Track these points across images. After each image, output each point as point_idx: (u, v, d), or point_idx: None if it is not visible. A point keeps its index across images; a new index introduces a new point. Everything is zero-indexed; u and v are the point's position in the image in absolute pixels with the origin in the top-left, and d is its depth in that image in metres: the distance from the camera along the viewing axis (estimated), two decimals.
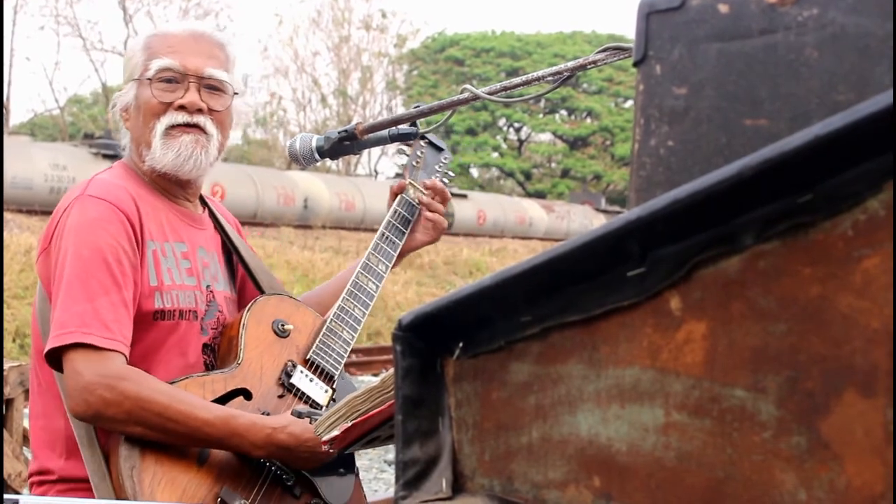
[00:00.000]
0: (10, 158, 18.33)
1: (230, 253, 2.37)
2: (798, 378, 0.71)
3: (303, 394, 2.21)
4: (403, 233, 2.42)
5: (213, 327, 2.22)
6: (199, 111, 2.16)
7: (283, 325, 2.25)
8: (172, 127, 2.15)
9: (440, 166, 2.52)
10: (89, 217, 2.04)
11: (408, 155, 2.49)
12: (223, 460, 2.06)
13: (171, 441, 2.01)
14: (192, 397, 2.03)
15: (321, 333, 2.27)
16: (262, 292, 2.36)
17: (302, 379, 2.22)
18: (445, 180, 2.52)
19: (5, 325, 11.59)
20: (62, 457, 2.11)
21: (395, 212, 2.41)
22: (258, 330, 2.22)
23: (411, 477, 0.92)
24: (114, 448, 1.99)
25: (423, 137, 2.47)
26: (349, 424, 1.51)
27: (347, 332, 2.29)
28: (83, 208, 2.05)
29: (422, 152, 2.49)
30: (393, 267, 2.42)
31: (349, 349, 2.28)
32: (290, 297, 2.36)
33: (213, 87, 2.19)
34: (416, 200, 2.43)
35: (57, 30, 36.72)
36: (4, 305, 12.25)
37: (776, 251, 0.72)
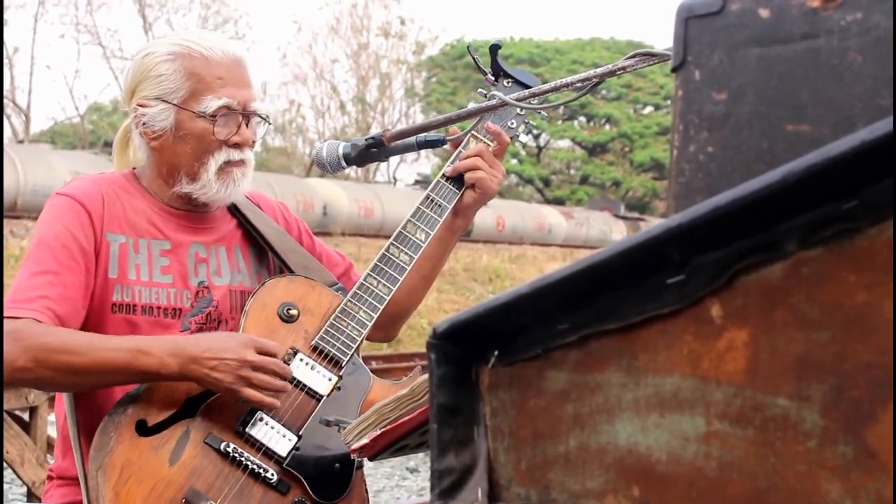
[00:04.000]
0: (31, 166, 18.42)
1: (261, 243, 2.33)
2: (843, 386, 0.70)
3: (300, 383, 2.12)
4: (456, 194, 2.24)
5: (199, 322, 2.18)
6: (249, 146, 2.19)
7: (288, 310, 2.17)
8: (227, 163, 2.17)
9: (523, 110, 2.23)
10: (51, 213, 2.12)
11: (485, 97, 2.17)
12: (197, 458, 2.02)
13: (85, 382, 2.02)
14: (93, 334, 2.04)
15: (332, 316, 2.17)
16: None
17: (300, 367, 2.12)
18: (529, 121, 2.32)
19: None
20: (60, 456, 2.19)
21: (447, 172, 2.25)
22: (262, 316, 2.15)
23: (447, 486, 0.92)
24: (87, 449, 2.00)
25: (507, 76, 2.21)
26: (378, 433, 1.51)
27: (364, 311, 2.17)
28: (48, 205, 2.14)
29: (498, 94, 2.13)
30: (445, 241, 2.27)
31: (365, 331, 2.16)
32: (306, 277, 2.26)
33: (256, 118, 2.21)
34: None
35: (77, 38, 36.87)
36: None
37: (820, 258, 0.71)
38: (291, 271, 2.28)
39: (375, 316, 2.18)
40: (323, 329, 2.17)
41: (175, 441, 2.02)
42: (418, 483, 7.36)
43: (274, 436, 2.09)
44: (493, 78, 2.23)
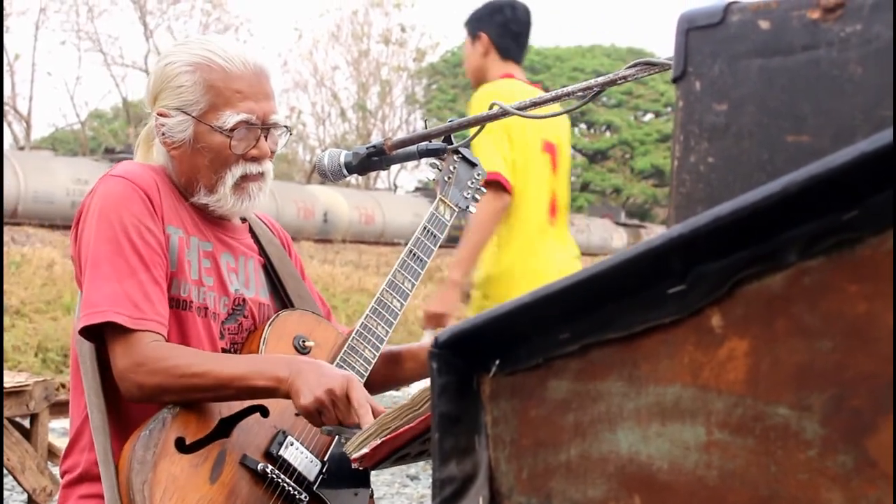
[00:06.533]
0: (32, 173, 18.45)
1: (266, 262, 2.37)
2: (844, 396, 0.70)
3: None
4: (432, 250, 2.37)
5: (231, 332, 2.21)
6: (268, 158, 2.21)
7: (303, 342, 2.23)
8: (244, 178, 2.19)
9: (472, 182, 2.47)
10: (112, 195, 2.07)
11: (440, 169, 2.45)
12: (235, 478, 2.05)
13: (215, 398, 2.04)
14: (215, 354, 2.08)
15: (342, 351, 2.24)
16: (291, 305, 2.36)
17: None
18: (477, 196, 2.48)
19: (27, 339, 11.62)
20: (78, 452, 2.16)
21: (425, 228, 2.37)
22: (278, 345, 2.21)
23: (448, 495, 0.92)
24: (124, 462, 2.00)
25: (456, 152, 2.42)
26: (379, 442, 1.51)
27: (369, 350, 2.25)
28: (106, 188, 2.10)
29: (454, 167, 2.44)
30: None
31: (370, 368, 2.24)
32: (312, 312, 2.35)
33: (275, 129, 2.23)
34: (447, 217, 2.40)
35: (78, 45, 36.93)
36: (27, 320, 12.30)
37: (821, 268, 0.71)
38: (287, 295, 2.36)
39: (377, 354, 2.26)
40: (336, 363, 2.23)
41: (213, 460, 2.05)
42: (419, 490, 7.35)
43: (303, 460, 2.15)
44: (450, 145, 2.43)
